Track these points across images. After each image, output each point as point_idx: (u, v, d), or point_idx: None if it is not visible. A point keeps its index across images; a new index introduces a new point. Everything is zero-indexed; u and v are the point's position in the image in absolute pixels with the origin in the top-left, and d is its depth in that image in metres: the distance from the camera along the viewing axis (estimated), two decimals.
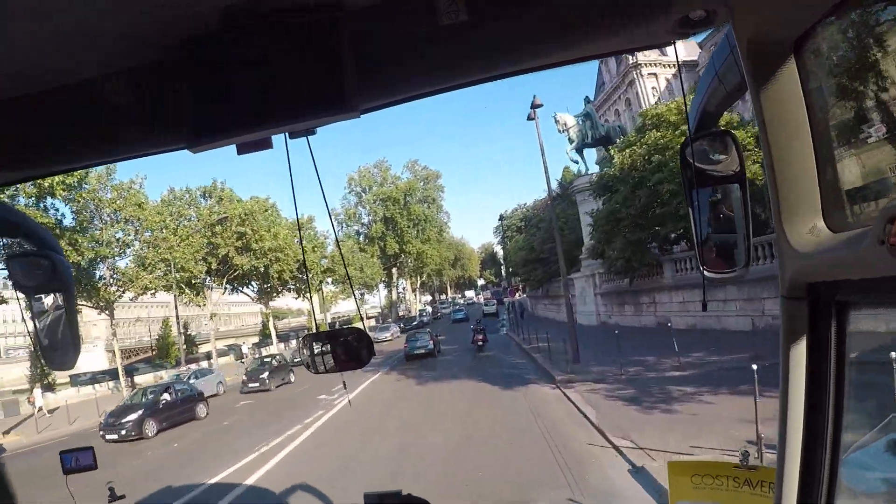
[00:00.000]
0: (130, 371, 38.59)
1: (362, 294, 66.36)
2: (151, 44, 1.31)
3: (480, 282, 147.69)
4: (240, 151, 1.40)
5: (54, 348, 1.73)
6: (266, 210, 43.31)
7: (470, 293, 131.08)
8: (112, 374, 37.65)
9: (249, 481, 10.61)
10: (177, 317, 38.54)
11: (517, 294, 39.41)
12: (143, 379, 36.80)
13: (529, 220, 70.47)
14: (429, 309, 78.11)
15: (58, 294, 1.74)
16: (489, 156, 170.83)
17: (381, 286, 75.67)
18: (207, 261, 39.07)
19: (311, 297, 41.71)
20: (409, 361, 28.26)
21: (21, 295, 1.71)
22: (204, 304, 41.10)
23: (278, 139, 1.39)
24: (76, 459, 2.72)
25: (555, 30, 1.34)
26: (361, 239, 71.01)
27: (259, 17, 1.25)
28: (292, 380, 28.83)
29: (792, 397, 1.28)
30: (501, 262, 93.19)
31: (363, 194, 70.46)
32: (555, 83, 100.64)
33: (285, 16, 1.25)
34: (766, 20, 1.15)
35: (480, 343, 28.16)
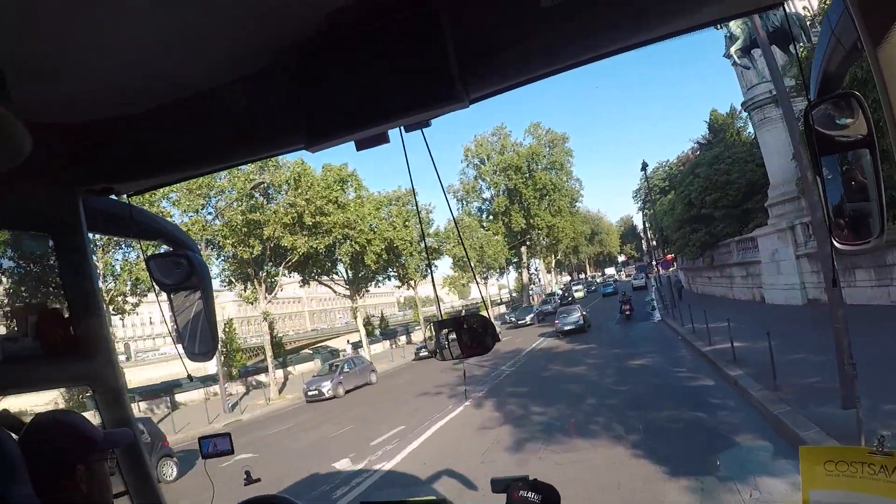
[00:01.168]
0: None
1: (485, 277, 60.18)
2: (261, 51, 1.41)
3: (621, 258, 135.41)
4: (359, 147, 1.48)
5: (194, 342, 1.95)
6: (341, 180, 33.14)
7: (610, 270, 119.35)
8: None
9: None
10: (265, 317, 31.55)
11: (669, 266, 29.99)
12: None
13: (674, 177, 59.41)
14: (557, 291, 69.04)
15: (195, 291, 1.97)
16: (618, 121, 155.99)
17: (512, 268, 69.18)
18: (250, 243, 27.85)
19: (433, 283, 36.26)
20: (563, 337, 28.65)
21: (163, 293, 1.96)
22: (254, 300, 30.84)
23: (394, 133, 1.44)
24: (214, 445, 2.65)
25: (655, 3, 1.30)
26: (484, 216, 64.87)
27: (362, 17, 1.31)
28: (373, 380, 26.85)
29: None
30: (642, 233, 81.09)
31: (481, 165, 63.87)
32: None
33: (387, 13, 1.30)
34: None
35: (628, 313, 31.07)
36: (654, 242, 71.12)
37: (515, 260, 67.67)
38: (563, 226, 65.54)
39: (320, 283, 38.36)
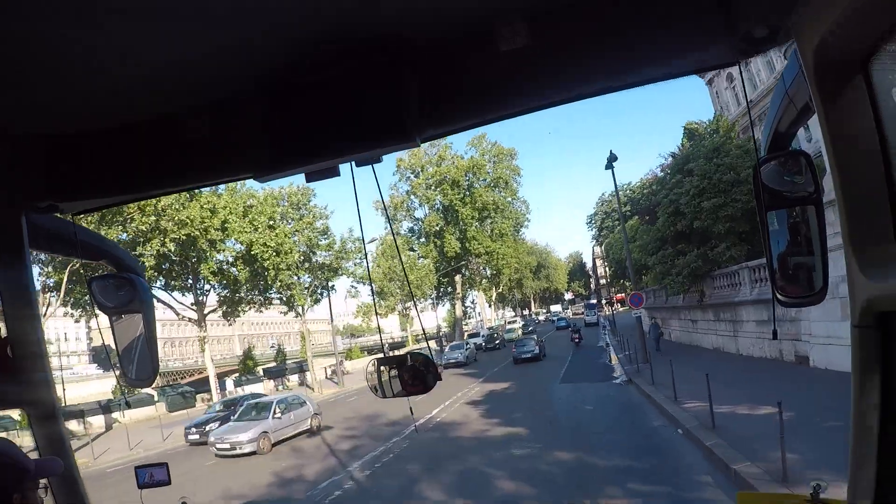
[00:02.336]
0: None
1: (405, 309, 49.81)
2: (218, 82, 1.45)
3: (568, 295, 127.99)
4: (308, 180, 1.52)
5: (132, 367, 1.93)
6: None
7: (556, 307, 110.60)
8: None
9: None
10: None
11: (639, 303, 20.59)
12: None
13: (637, 201, 52.07)
14: (482, 333, 56.63)
15: (137, 314, 1.94)
16: (568, 157, 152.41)
17: (444, 300, 59.26)
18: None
19: (377, 316, 34.15)
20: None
21: (103, 315, 1.94)
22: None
23: (345, 167, 1.48)
24: (150, 475, 2.71)
25: (617, 55, 1.35)
26: (415, 237, 54.82)
27: (325, 54, 1.35)
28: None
29: (863, 431, 1.23)
30: (599, 262, 73.88)
31: (414, 178, 53.93)
32: None
33: (344, 53, 1.34)
34: (832, 36, 1.09)
35: (577, 341, 36.69)
36: (608, 276, 63.35)
37: (447, 290, 57.77)
38: (504, 252, 55.87)
39: (157, 300, 26.97)
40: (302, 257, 30.58)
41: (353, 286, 36.16)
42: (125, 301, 1.92)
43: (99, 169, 1.68)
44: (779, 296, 1.39)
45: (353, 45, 1.33)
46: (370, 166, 1.47)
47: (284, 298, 31.83)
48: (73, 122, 1.59)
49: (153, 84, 1.42)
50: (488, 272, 59.31)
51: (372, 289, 45.70)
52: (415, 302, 47.09)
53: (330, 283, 34.15)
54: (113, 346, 1.93)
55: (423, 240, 53.83)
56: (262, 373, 37.94)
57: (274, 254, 28.46)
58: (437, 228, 53.01)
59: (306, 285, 32.41)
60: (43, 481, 1.50)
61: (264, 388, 33.24)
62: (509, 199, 56.90)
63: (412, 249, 53.82)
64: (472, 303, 67.49)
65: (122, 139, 1.60)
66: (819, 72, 1.14)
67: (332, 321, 35.00)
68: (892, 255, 1.12)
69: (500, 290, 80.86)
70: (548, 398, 17.81)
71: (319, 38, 1.30)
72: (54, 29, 1.14)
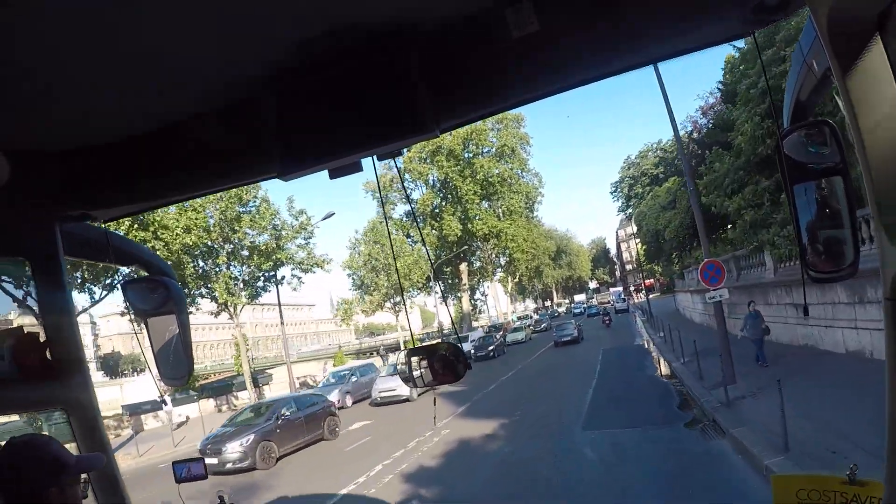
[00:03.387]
0: None
1: (395, 305, 41.61)
2: (238, 83, 1.47)
3: (592, 284, 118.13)
4: (332, 176, 1.55)
5: (168, 366, 1.98)
6: None
7: (580, 297, 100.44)
8: None
9: None
10: None
11: (717, 279, 11.40)
12: None
13: (671, 163, 42.86)
14: (476, 334, 47.23)
15: (170, 316, 1.96)
16: (591, 133, 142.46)
17: (451, 292, 50.99)
18: None
19: (406, 311, 31.64)
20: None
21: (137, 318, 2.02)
22: None
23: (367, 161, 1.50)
24: (188, 469, 2.73)
25: (629, 34, 1.35)
26: (408, 221, 46.50)
27: (335, 50, 1.36)
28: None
29: None
30: (623, 247, 65.35)
31: (405, 151, 45.46)
32: None
33: (359, 46, 1.35)
34: None
35: (608, 322, 41.26)
36: (639, 255, 53.94)
37: (455, 281, 49.34)
38: (514, 233, 47.13)
39: None
40: (221, 238, 22.75)
41: (294, 276, 28.04)
42: (159, 303, 1.95)
43: (125, 178, 1.76)
44: (809, 272, 1.34)
45: (363, 37, 1.34)
46: (392, 160, 1.54)
47: (206, 294, 24.06)
48: (97, 135, 1.66)
49: (167, 92, 1.48)
50: (502, 260, 50.78)
51: (400, 283, 40.17)
52: (443, 294, 39.53)
53: (278, 274, 26.38)
54: (148, 347, 1.97)
55: (414, 222, 45.51)
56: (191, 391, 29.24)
57: (183, 232, 20.75)
58: (434, 208, 44.75)
59: (236, 275, 24.64)
60: (84, 477, 1.53)
61: (200, 409, 25.38)
62: (518, 170, 48.23)
63: (408, 236, 45.71)
64: (483, 295, 58.71)
65: (144, 148, 1.67)
66: (834, 35, 1.10)
67: (282, 321, 26.82)
68: None
69: (517, 280, 72.49)
70: (556, 481, 8.53)
71: (329, 31, 1.31)
72: (76, 45, 1.20)
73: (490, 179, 44.90)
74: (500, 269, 59.10)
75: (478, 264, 50.33)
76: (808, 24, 1.32)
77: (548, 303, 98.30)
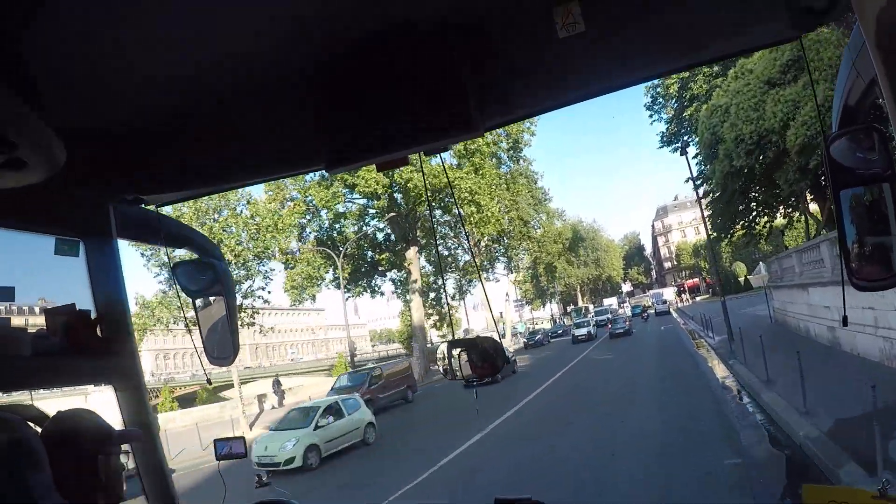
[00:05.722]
0: None
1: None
2: (291, 74, 1.49)
3: (625, 286, 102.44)
4: (379, 169, 1.65)
5: (215, 347, 2.04)
6: None
7: (610, 300, 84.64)
8: None
9: None
10: None
11: None
12: None
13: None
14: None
15: (219, 297, 2.04)
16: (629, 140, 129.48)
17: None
18: None
19: (448, 308, 28.99)
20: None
21: (187, 299, 2.05)
22: None
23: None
24: (229, 447, 2.81)
25: (676, 36, 1.34)
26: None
27: (385, 47, 1.37)
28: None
29: None
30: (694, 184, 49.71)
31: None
32: None
33: (408, 43, 1.37)
34: (893, 2, 1.05)
35: (646, 316, 52.96)
36: (700, 179, 34.58)
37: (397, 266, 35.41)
38: (474, 188, 29.11)
39: None
40: None
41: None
42: (208, 285, 2.00)
43: (178, 163, 1.80)
44: (854, 280, 1.32)
45: (413, 33, 1.35)
46: (439, 156, 1.58)
47: None
48: (152, 119, 1.66)
49: (219, 79, 1.47)
50: (483, 240, 36.97)
51: (443, 281, 40.29)
52: (482, 281, 27.03)
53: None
54: (197, 328, 2.02)
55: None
56: None
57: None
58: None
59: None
60: (125, 447, 1.60)
61: None
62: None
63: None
64: (462, 294, 44.21)
65: (196, 134, 1.70)
66: (881, 40, 1.08)
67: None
68: None
69: (521, 276, 58.70)
70: None
71: (380, 27, 1.32)
72: (128, 28, 1.21)
73: None
74: (500, 262, 45.94)
75: (445, 251, 36.53)
76: (856, 28, 1.34)
77: (570, 307, 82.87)
